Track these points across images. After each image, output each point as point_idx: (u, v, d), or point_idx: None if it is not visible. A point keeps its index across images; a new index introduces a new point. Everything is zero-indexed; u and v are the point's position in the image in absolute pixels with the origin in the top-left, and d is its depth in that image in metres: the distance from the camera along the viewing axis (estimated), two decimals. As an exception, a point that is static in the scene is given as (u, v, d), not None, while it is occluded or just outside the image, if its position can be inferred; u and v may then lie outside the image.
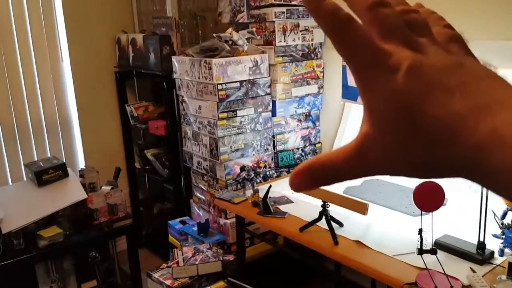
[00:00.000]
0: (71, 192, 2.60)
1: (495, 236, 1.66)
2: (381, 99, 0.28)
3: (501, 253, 1.64)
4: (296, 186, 0.30)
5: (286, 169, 2.80)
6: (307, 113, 2.81)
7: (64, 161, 2.86)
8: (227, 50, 2.45)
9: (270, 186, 2.18)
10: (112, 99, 3.43)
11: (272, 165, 2.72)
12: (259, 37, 2.60)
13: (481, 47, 1.97)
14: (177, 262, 2.24)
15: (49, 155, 3.18)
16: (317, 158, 0.30)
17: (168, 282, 2.19)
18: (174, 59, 2.74)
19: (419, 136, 0.27)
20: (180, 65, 2.68)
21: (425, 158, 0.27)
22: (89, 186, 2.69)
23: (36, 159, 3.09)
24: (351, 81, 2.13)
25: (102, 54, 3.36)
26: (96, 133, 3.40)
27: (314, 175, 0.30)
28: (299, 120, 2.79)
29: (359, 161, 0.29)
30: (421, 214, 1.58)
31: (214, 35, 2.51)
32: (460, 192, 1.99)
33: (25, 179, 2.95)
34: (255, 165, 2.65)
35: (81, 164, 3.34)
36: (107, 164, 3.11)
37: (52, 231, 2.47)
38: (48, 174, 2.62)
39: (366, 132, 0.29)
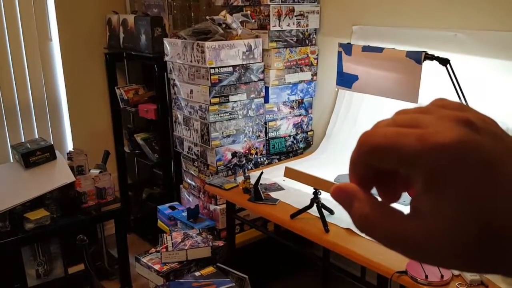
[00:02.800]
0: (59, 174, 2.56)
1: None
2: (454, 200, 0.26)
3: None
4: (335, 197, 0.32)
5: (278, 156, 2.78)
6: (300, 100, 2.78)
7: (52, 143, 2.81)
8: (220, 34, 2.41)
9: (261, 173, 2.16)
10: (101, 81, 3.37)
11: (264, 152, 2.70)
12: (253, 20, 2.55)
13: (487, 37, 1.95)
14: (166, 247, 2.22)
15: (36, 136, 3.12)
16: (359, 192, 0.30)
17: (156, 267, 2.17)
18: (165, 41, 2.69)
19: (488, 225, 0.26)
20: (172, 48, 2.63)
21: (487, 255, 0.26)
22: (77, 169, 2.65)
23: (23, 140, 3.03)
24: (346, 68, 2.11)
25: (92, 34, 3.29)
26: (85, 115, 3.34)
27: (347, 201, 0.30)
28: (292, 107, 2.77)
29: (402, 222, 0.28)
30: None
31: (207, 17, 2.46)
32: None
33: (12, 160, 2.90)
34: (247, 151, 2.62)
35: (69, 146, 3.29)
36: (95, 147, 3.06)
37: (39, 213, 2.43)
38: (35, 156, 2.57)
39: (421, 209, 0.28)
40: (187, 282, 1.97)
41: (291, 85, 2.69)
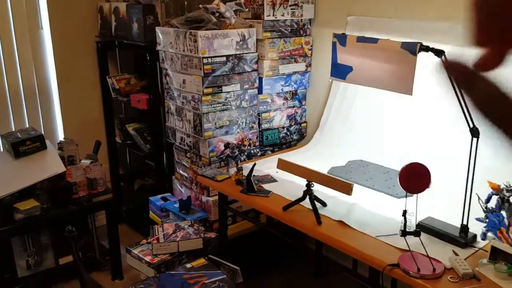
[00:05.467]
0: (49, 164, 2.52)
1: (478, 219, 1.65)
2: None
3: (484, 236, 1.64)
4: None
5: (271, 148, 2.76)
6: (294, 92, 2.76)
7: (43, 132, 2.78)
8: (213, 23, 2.37)
9: (254, 164, 2.14)
10: (93, 70, 3.32)
11: (257, 143, 2.68)
12: (247, 10, 2.52)
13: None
14: (157, 239, 2.20)
15: (27, 126, 3.08)
16: None
17: (147, 258, 2.15)
18: (158, 30, 2.65)
19: None
20: (164, 37, 2.59)
21: None
22: (68, 159, 2.62)
23: (13, 129, 2.99)
24: (341, 59, 2.08)
25: (84, 23, 3.23)
26: (76, 105, 3.30)
27: None
28: (286, 99, 2.74)
29: None
30: (406, 196, 1.56)
31: (201, 6, 2.42)
32: (446, 175, 1.98)
33: (1, 150, 2.86)
34: (240, 142, 2.60)
35: (60, 136, 3.25)
36: (87, 137, 3.03)
37: (29, 204, 2.40)
38: (25, 145, 2.53)
39: None
40: (178, 273, 1.95)
41: (285, 76, 2.67)
